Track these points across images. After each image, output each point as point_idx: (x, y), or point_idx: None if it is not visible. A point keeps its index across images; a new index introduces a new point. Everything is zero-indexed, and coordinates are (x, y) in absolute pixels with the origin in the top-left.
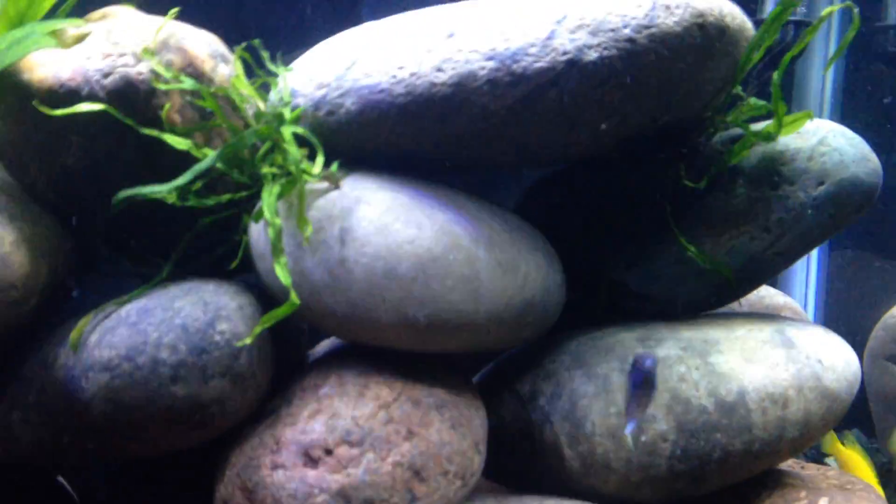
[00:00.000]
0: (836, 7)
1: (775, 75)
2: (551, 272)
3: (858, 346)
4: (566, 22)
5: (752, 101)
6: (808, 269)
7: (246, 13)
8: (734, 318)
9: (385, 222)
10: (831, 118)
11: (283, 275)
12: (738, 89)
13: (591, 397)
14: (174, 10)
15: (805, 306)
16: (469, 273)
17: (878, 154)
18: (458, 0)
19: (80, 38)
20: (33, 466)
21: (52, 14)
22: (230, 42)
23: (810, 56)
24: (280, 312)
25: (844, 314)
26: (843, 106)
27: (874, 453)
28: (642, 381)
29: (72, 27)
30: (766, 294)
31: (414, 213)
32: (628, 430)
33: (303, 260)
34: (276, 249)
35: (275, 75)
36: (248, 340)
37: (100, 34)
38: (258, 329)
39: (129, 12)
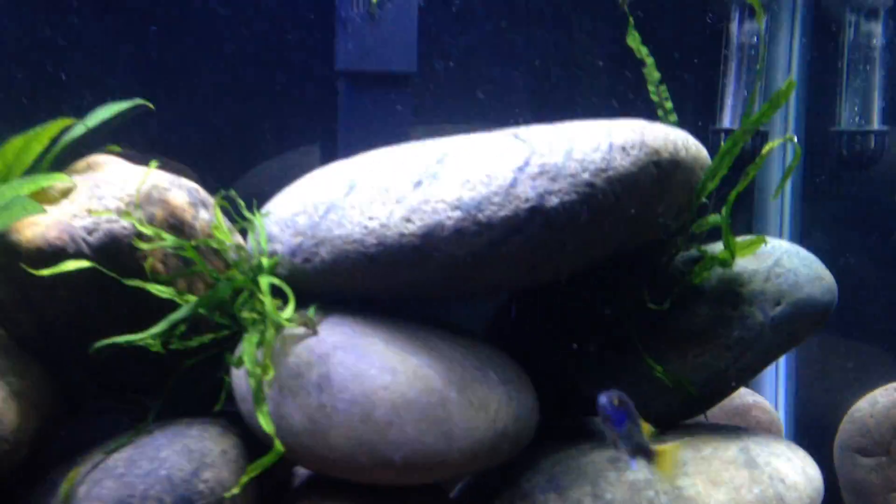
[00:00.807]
0: (778, 142)
1: (724, 210)
2: (523, 400)
3: (831, 435)
4: (528, 168)
5: (712, 217)
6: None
7: (225, 133)
8: (703, 432)
9: (361, 369)
10: (791, 219)
11: (266, 424)
12: (704, 199)
13: None
14: (154, 163)
15: (776, 399)
16: (442, 415)
17: (841, 252)
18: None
19: (67, 192)
20: None
21: (38, 162)
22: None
23: (770, 163)
24: (264, 462)
25: (817, 402)
26: (804, 207)
27: None
28: (626, 415)
29: (58, 183)
30: (736, 394)
31: (388, 359)
32: (634, 466)
33: (283, 404)
34: (258, 398)
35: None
36: (234, 491)
37: (85, 188)
38: (244, 479)
39: (113, 162)
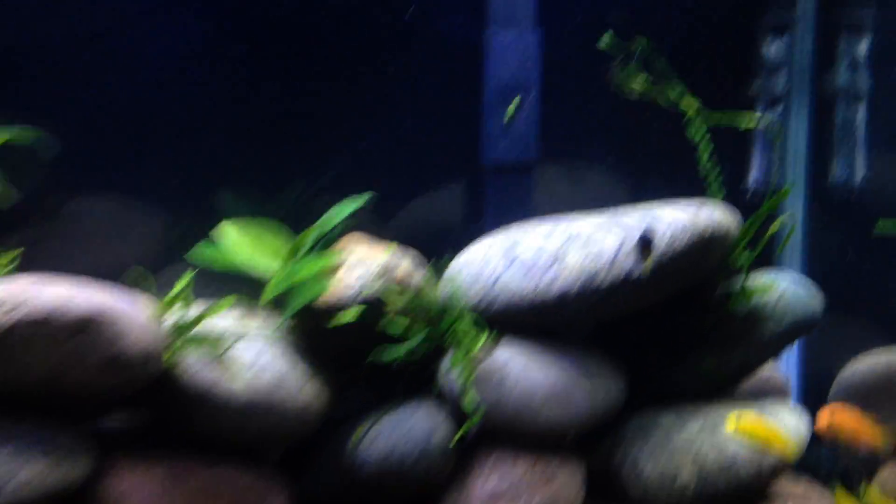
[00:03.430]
0: (778, 224)
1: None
2: (618, 386)
3: (827, 391)
4: (623, 248)
5: (746, 254)
6: None
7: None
8: (734, 401)
9: (524, 373)
10: (802, 246)
11: (470, 403)
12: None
13: (645, 457)
14: (392, 244)
15: (788, 367)
16: (572, 400)
17: (839, 262)
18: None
19: (338, 266)
20: None
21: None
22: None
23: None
24: (472, 423)
25: (818, 367)
26: (810, 238)
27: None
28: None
29: (332, 261)
30: None
31: (541, 366)
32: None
33: (477, 392)
34: (465, 389)
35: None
36: (452, 444)
37: (349, 264)
38: (458, 435)
39: (361, 241)
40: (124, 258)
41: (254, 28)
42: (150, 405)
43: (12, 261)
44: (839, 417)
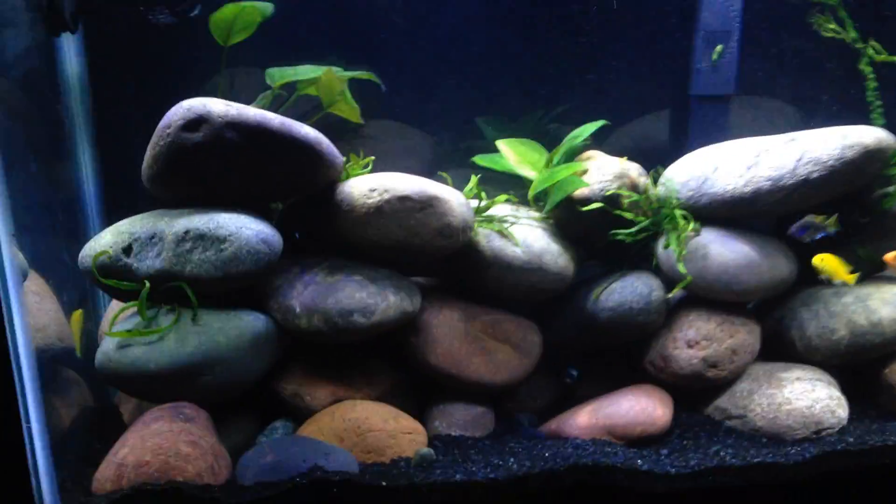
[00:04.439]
0: None
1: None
2: (791, 264)
3: None
4: (802, 160)
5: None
6: None
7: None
8: (882, 280)
9: (721, 251)
10: None
11: (683, 270)
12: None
13: (809, 320)
14: (625, 158)
15: None
16: (758, 272)
17: None
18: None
19: (584, 171)
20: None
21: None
22: None
23: None
24: (681, 285)
25: None
26: None
27: None
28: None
29: (580, 168)
30: None
31: (734, 246)
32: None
33: (685, 266)
34: (679, 260)
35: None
36: (669, 296)
37: (593, 169)
38: (674, 292)
39: (599, 154)
40: (406, 166)
41: None
42: (454, 267)
43: (366, 165)
44: None
